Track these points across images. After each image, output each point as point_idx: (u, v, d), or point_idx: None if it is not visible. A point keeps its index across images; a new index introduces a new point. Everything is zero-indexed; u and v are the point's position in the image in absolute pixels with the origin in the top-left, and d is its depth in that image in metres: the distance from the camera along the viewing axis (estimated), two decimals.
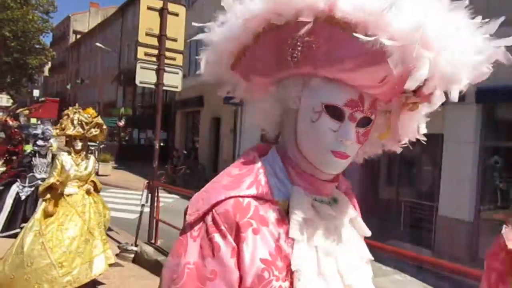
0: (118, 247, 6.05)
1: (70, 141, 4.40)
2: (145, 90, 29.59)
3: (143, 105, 29.31)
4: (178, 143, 20.75)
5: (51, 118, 37.05)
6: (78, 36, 47.59)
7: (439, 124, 8.25)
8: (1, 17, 23.83)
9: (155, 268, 5.14)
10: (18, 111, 50.33)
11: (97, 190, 4.59)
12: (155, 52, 5.98)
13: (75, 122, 4.30)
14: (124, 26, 34.16)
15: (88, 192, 4.40)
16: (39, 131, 6.54)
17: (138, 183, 15.55)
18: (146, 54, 5.94)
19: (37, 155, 6.50)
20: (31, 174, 6.33)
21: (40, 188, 4.31)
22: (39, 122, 40.79)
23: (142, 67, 5.93)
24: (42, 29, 28.18)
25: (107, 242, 4.55)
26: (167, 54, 6.07)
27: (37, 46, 29.13)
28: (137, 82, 5.98)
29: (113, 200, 11.59)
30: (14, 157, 8.39)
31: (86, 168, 4.45)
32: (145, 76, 5.96)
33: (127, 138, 29.03)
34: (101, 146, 23.12)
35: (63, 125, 4.36)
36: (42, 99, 48.79)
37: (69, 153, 4.40)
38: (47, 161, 6.55)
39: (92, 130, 4.42)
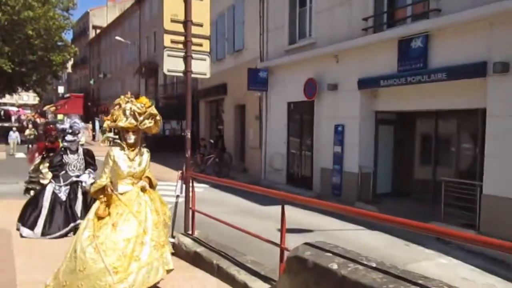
0: None
1: (122, 134, 4.03)
2: (167, 81, 29.66)
3: (165, 96, 29.38)
4: (203, 132, 20.72)
5: (77, 113, 37.78)
6: (98, 31, 47.99)
7: (479, 98, 7.83)
8: (23, 16, 24.12)
9: (194, 259, 5.04)
10: (45, 108, 51.54)
11: (152, 186, 4.19)
12: (181, 38, 5.80)
13: (127, 112, 3.89)
14: (142, 18, 34.19)
15: (143, 189, 4.02)
16: (66, 125, 6.36)
17: (168, 174, 15.56)
18: (172, 41, 5.76)
19: (68, 151, 6.36)
20: (63, 172, 6.21)
21: (92, 189, 4.04)
22: (65, 118, 41.59)
23: (169, 55, 5.77)
24: (63, 26, 28.47)
25: (166, 244, 4.06)
26: (194, 40, 5.88)
27: (60, 43, 29.48)
28: (164, 70, 5.82)
29: None
30: (52, 154, 8.18)
31: (140, 164, 4.06)
32: (172, 64, 5.79)
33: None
34: None
35: (114, 116, 3.96)
36: (67, 95, 49.79)
37: (121, 147, 4.02)
38: (78, 157, 6.39)
39: (146, 121, 3.99)
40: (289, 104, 13.18)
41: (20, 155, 20.92)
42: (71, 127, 6.29)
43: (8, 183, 12.25)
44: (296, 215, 9.00)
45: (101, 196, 3.90)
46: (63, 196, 6.06)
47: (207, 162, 14.95)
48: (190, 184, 5.59)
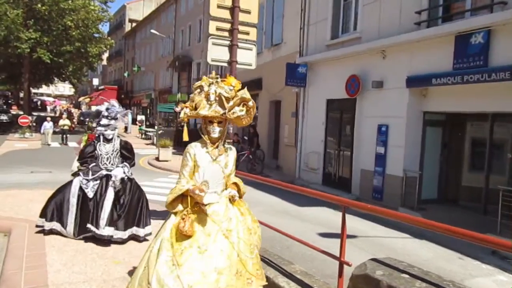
0: None
1: (204, 125, 3.13)
2: (199, 74, 29.52)
3: None
4: (235, 128, 20.39)
5: None
6: (134, 24, 48.54)
7: None
8: (63, 6, 24.48)
9: None
10: (80, 99, 52.71)
11: (240, 195, 3.25)
12: (228, 26, 5.40)
13: (212, 97, 3.01)
14: (177, 12, 34.22)
15: (232, 200, 3.11)
16: (103, 107, 5.53)
17: None
18: (218, 28, 5.38)
19: (101, 139, 5.41)
20: (93, 164, 5.32)
21: (169, 198, 3.03)
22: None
23: (214, 44, 5.39)
24: (101, 18, 28.82)
25: (263, 275, 3.19)
26: (240, 28, 5.49)
27: (96, 35, 29.86)
28: (208, 60, 5.45)
29: None
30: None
31: (226, 166, 3.13)
32: (217, 53, 5.42)
33: (183, 124, 29.19)
34: (159, 132, 23.42)
35: (195, 102, 3.08)
36: (102, 87, 50.70)
37: (203, 143, 3.12)
38: (113, 148, 5.44)
39: (236, 109, 3.07)
40: (328, 101, 12.63)
41: (55, 144, 21.29)
42: (107, 109, 5.44)
43: (42, 172, 12.30)
44: (331, 217, 8.54)
45: (180, 207, 3.04)
46: (90, 192, 5.19)
47: (240, 158, 14.60)
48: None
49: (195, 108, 3.05)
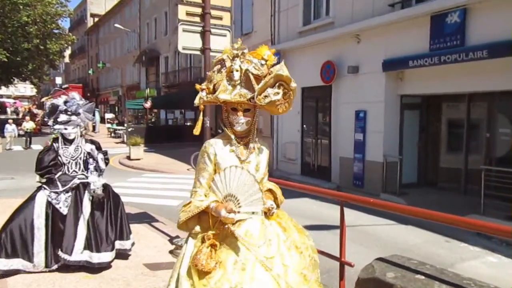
0: (173, 243, 5.24)
1: (225, 114, 2.28)
2: (168, 69, 28.74)
3: (167, 84, 28.49)
4: (208, 123, 19.87)
5: None
6: (96, 19, 46.83)
7: None
8: (17, 0, 23.08)
9: None
10: (42, 99, 50.56)
11: (277, 204, 2.39)
12: (199, 10, 4.96)
13: (236, 76, 2.19)
14: (142, 5, 33.14)
15: (269, 213, 2.26)
16: (60, 101, 4.41)
17: (173, 165, 14.88)
18: (188, 13, 4.93)
19: (60, 140, 4.34)
20: (60, 173, 4.27)
21: (181, 216, 2.19)
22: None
23: (184, 30, 4.94)
24: (60, 14, 27.43)
25: None
26: (213, 12, 5.06)
27: (56, 31, 28.46)
28: (179, 48, 5.00)
29: (150, 186, 10.89)
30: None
31: (258, 169, 2.29)
32: (188, 41, 4.98)
33: (153, 119, 28.44)
34: (128, 130, 22.62)
35: (213, 82, 2.25)
36: (65, 86, 48.77)
37: (226, 139, 2.28)
38: (80, 150, 4.39)
39: (269, 91, 2.18)
40: (303, 89, 12.33)
41: (18, 148, 20.15)
42: (65, 102, 4.37)
43: (3, 178, 11.51)
44: (314, 208, 8.31)
45: (198, 228, 2.20)
46: (63, 208, 4.14)
47: None
48: None
49: (214, 91, 2.24)
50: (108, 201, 4.42)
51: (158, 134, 22.89)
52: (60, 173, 4.31)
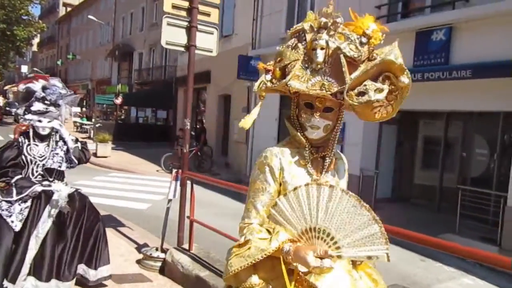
0: (141, 252, 4.83)
1: (294, 110, 1.65)
2: (142, 66, 27.98)
3: (140, 81, 27.71)
4: (180, 123, 19.43)
5: None
6: (68, 9, 45.24)
7: (503, 100, 7.08)
8: None
9: (195, 285, 3.92)
10: (6, 88, 48.29)
11: None
12: (186, 4, 4.63)
13: (319, 56, 1.46)
14: None
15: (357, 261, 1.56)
16: (37, 86, 3.49)
17: (143, 165, 14.30)
18: (174, 6, 4.59)
19: (31, 135, 3.44)
20: (19, 176, 3.32)
21: (234, 264, 1.46)
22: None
23: (169, 24, 4.59)
24: None
25: None
26: (200, 8, 4.73)
27: (25, 17, 27.17)
28: (162, 43, 4.64)
29: (118, 187, 10.32)
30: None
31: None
32: (172, 36, 4.62)
33: (123, 116, 27.55)
34: (96, 125, 21.76)
35: (285, 62, 1.55)
36: (31, 75, 46.75)
37: (293, 147, 1.63)
38: (50, 149, 3.48)
39: (369, 86, 1.45)
40: (282, 96, 12.11)
41: None
42: (44, 88, 3.47)
43: None
44: None
45: (257, 280, 1.46)
46: (16, 222, 3.22)
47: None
48: (191, 187, 4.45)
49: (284, 76, 1.54)
50: (80, 216, 3.53)
51: (127, 132, 22.12)
52: (18, 176, 3.30)
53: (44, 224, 3.29)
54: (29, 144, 3.43)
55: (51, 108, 3.45)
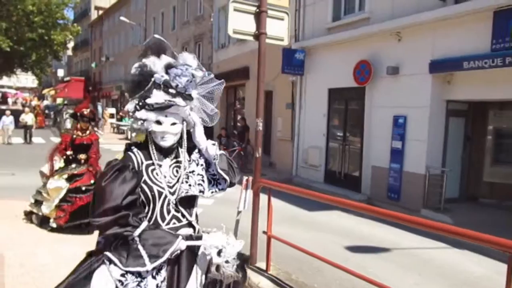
0: None
1: None
2: None
3: None
4: (222, 121, 18.95)
5: (77, 98, 35.80)
6: (100, 12, 45.76)
7: None
8: None
9: None
10: (44, 91, 49.49)
11: None
12: None
13: None
14: None
15: None
16: (158, 65, 1.95)
17: None
18: None
19: (151, 152, 2.01)
20: (144, 226, 1.86)
21: None
22: (65, 102, 39.67)
23: (236, 9, 3.97)
24: (65, 3, 26.42)
25: None
26: None
27: (61, 21, 27.44)
28: (229, 32, 4.04)
29: None
30: (83, 156, 5.50)
31: None
32: (240, 23, 4.00)
33: None
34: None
35: None
36: (67, 78, 47.76)
37: None
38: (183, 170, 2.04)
39: None
40: (331, 90, 11.38)
41: (17, 140, 18.99)
42: (168, 67, 1.97)
43: (3, 174, 10.52)
44: (349, 224, 7.34)
45: None
46: None
47: (231, 155, 13.23)
48: (268, 197, 3.83)
49: None
50: None
51: None
52: (144, 224, 1.85)
53: None
54: (151, 165, 1.98)
55: (178, 100, 1.92)
